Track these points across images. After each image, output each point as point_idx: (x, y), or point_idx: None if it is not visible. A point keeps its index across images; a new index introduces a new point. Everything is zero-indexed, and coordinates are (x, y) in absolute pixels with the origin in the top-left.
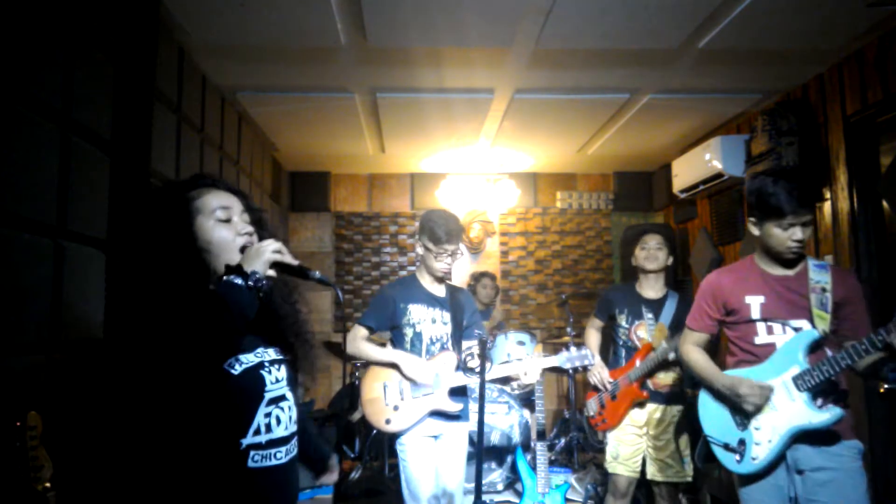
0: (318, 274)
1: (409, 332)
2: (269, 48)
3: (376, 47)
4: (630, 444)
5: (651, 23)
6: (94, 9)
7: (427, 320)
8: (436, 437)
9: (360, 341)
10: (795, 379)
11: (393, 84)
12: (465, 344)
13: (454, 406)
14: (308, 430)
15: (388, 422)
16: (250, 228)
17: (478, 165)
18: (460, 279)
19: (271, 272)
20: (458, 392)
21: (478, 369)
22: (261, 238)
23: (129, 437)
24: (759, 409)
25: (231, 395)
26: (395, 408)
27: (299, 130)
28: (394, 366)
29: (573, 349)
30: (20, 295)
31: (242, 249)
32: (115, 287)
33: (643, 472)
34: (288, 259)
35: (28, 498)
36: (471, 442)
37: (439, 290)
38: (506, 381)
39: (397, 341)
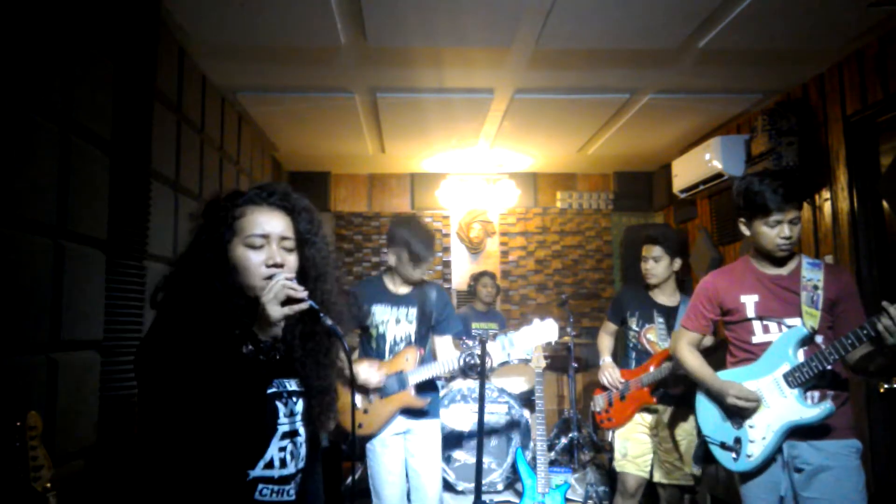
0: (329, 321)
1: (373, 332)
2: (269, 48)
3: (376, 47)
4: (638, 443)
5: (651, 23)
6: (94, 9)
7: (391, 321)
8: (404, 433)
9: None
10: (786, 376)
11: (393, 84)
12: (437, 340)
13: (421, 401)
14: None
15: (360, 426)
16: (279, 260)
17: (478, 165)
18: (460, 279)
19: (286, 310)
20: (426, 386)
21: (478, 369)
22: (303, 263)
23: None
24: (749, 412)
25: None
26: (365, 411)
27: (299, 130)
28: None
29: (535, 321)
30: (20, 295)
31: (268, 278)
32: (116, 287)
33: (650, 473)
34: (297, 307)
35: (28, 498)
36: (464, 439)
37: (406, 289)
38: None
39: (365, 342)
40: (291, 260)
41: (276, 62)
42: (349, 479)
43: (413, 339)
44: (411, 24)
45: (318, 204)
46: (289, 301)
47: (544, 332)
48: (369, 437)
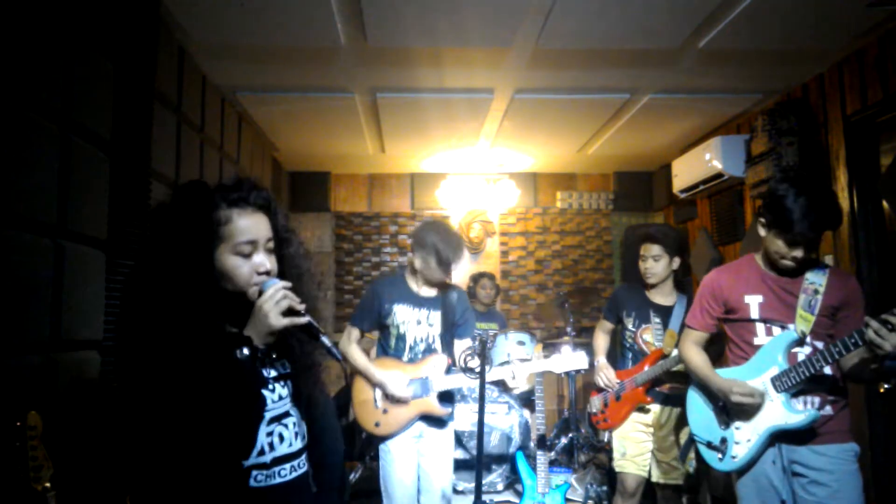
0: (327, 340)
1: (393, 332)
2: (269, 48)
3: (376, 47)
4: (637, 442)
5: (651, 23)
6: (94, 9)
7: (412, 321)
8: (418, 437)
9: (352, 344)
10: (773, 380)
11: (393, 84)
12: (457, 343)
13: (443, 410)
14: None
15: (377, 425)
16: (268, 266)
17: (478, 165)
18: (460, 280)
19: (286, 321)
20: (447, 395)
21: (477, 369)
22: (281, 261)
23: (130, 454)
24: (753, 409)
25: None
26: (385, 411)
27: (299, 130)
28: (374, 380)
29: (565, 349)
30: (20, 295)
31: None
32: (116, 287)
33: (649, 473)
34: (299, 320)
35: (28, 498)
36: (463, 444)
37: (429, 291)
38: (496, 384)
39: (384, 340)
40: (274, 260)
41: (276, 62)
42: (352, 475)
43: (433, 342)
44: (411, 24)
45: (318, 204)
46: (290, 312)
47: (575, 361)
48: (385, 438)
